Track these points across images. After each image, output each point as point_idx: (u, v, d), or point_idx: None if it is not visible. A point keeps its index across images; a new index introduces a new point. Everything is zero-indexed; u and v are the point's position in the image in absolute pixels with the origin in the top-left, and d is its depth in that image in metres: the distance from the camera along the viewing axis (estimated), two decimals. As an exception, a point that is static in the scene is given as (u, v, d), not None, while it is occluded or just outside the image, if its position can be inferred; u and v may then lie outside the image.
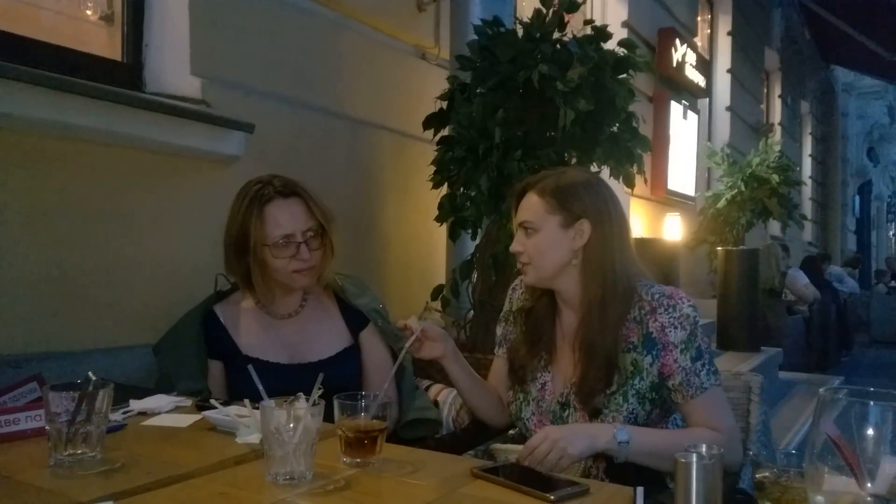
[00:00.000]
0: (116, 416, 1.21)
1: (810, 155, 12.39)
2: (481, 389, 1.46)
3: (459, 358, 1.43)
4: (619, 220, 1.32)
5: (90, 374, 1.05)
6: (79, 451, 0.98)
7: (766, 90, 9.86)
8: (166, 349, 1.57)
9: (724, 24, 7.79)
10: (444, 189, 2.57)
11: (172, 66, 2.11)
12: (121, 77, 2.03)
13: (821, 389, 0.70)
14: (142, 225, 1.98)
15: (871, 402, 0.66)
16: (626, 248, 1.33)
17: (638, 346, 1.26)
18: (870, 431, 0.66)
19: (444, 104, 2.54)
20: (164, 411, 1.28)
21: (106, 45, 2.08)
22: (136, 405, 1.28)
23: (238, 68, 2.28)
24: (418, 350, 1.38)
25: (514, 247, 1.34)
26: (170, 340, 1.58)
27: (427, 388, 1.72)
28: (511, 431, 1.48)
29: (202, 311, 1.58)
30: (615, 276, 1.28)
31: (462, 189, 2.50)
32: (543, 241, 1.30)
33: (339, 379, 1.33)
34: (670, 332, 1.24)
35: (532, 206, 1.32)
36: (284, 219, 1.50)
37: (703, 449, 0.80)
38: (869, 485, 0.66)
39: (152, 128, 1.95)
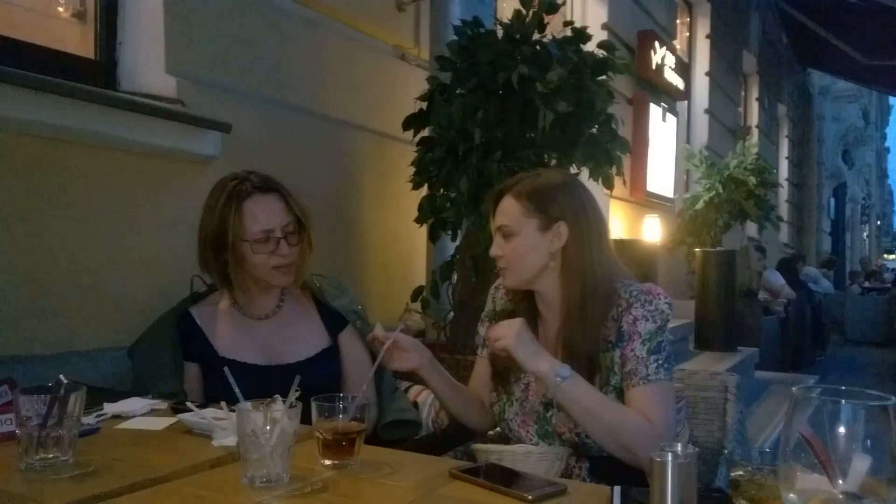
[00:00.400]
0: (90, 420, 1.19)
1: (787, 157, 12.58)
2: (462, 397, 1.44)
3: (437, 367, 1.40)
4: (596, 221, 1.33)
5: (62, 377, 1.03)
6: (50, 455, 0.96)
7: (743, 93, 9.99)
8: (141, 351, 1.55)
9: (703, 27, 7.88)
10: (424, 190, 2.56)
11: (147, 65, 2.08)
12: (94, 75, 2.01)
13: (794, 388, 0.71)
14: (116, 226, 1.95)
15: (843, 401, 0.67)
16: (605, 248, 1.33)
17: (614, 343, 1.27)
18: (842, 430, 0.66)
19: (424, 105, 2.53)
20: (139, 414, 1.26)
21: (79, 42, 2.05)
22: (110, 408, 1.26)
23: (214, 67, 2.25)
24: (390, 360, 1.35)
25: (493, 251, 1.34)
26: (145, 343, 1.56)
27: (406, 390, 1.71)
28: (491, 432, 1.48)
29: (178, 313, 1.56)
30: (594, 278, 1.28)
31: (442, 190, 2.50)
32: (522, 245, 1.30)
33: (317, 380, 1.32)
34: (640, 324, 1.25)
35: (509, 210, 1.32)
36: (263, 214, 1.48)
37: (679, 448, 0.81)
38: (840, 482, 0.66)
39: (126, 127, 1.92)
